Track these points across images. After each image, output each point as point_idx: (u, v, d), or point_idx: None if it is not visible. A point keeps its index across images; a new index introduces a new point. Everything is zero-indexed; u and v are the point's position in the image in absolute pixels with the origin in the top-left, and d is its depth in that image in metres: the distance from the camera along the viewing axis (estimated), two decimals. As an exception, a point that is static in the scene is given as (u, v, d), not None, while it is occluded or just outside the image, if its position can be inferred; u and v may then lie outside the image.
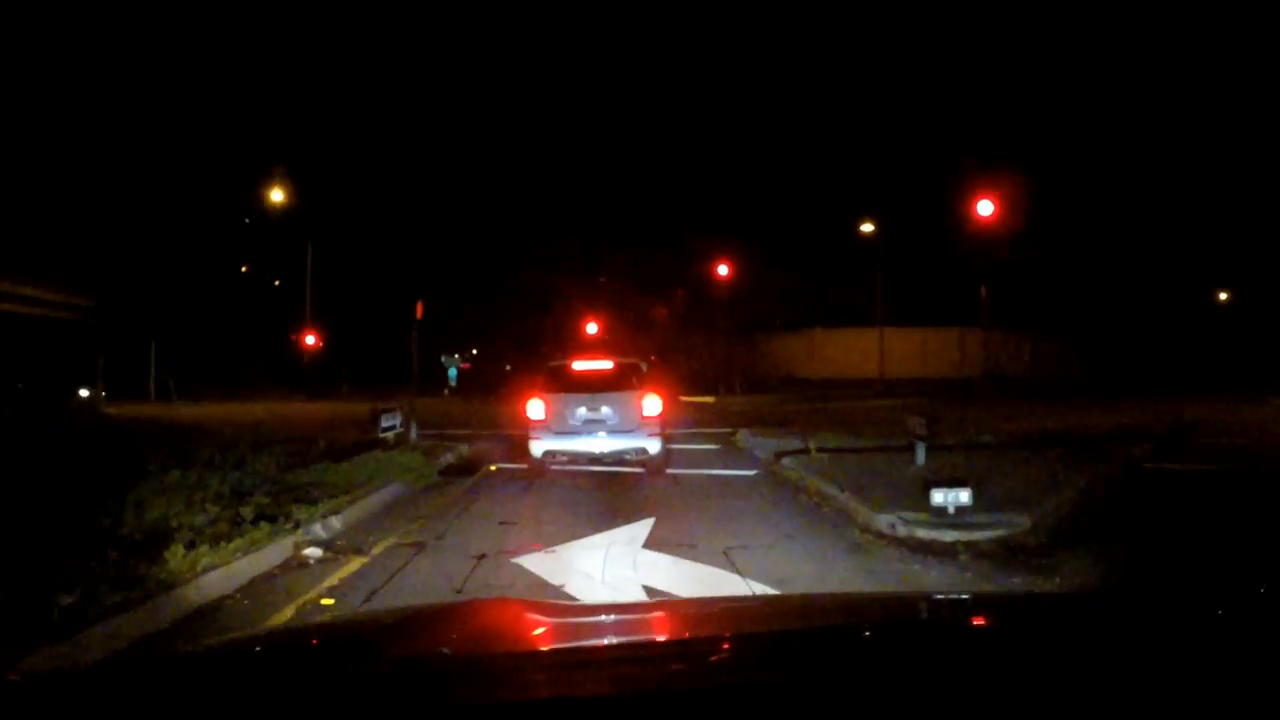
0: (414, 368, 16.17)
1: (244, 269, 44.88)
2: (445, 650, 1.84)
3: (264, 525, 7.27)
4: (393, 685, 1.46)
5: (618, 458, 11.83)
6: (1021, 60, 51.05)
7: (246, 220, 43.94)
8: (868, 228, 39.22)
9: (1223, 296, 48.72)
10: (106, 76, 41.13)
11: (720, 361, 40.34)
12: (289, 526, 7.39)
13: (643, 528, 8.13)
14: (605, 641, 2.09)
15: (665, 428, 12.07)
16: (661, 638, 2.10)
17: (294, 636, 2.56)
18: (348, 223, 44.22)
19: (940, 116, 51.13)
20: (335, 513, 8.51)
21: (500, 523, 8.66)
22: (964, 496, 8.41)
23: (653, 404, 11.74)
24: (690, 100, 65.14)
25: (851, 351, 42.77)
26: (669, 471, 12.02)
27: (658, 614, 2.67)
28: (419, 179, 50.96)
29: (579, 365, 12.70)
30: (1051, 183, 38.87)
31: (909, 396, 30.01)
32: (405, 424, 15.03)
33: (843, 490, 9.58)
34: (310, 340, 42.76)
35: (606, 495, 10.41)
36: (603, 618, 2.55)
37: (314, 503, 8.64)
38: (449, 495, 10.50)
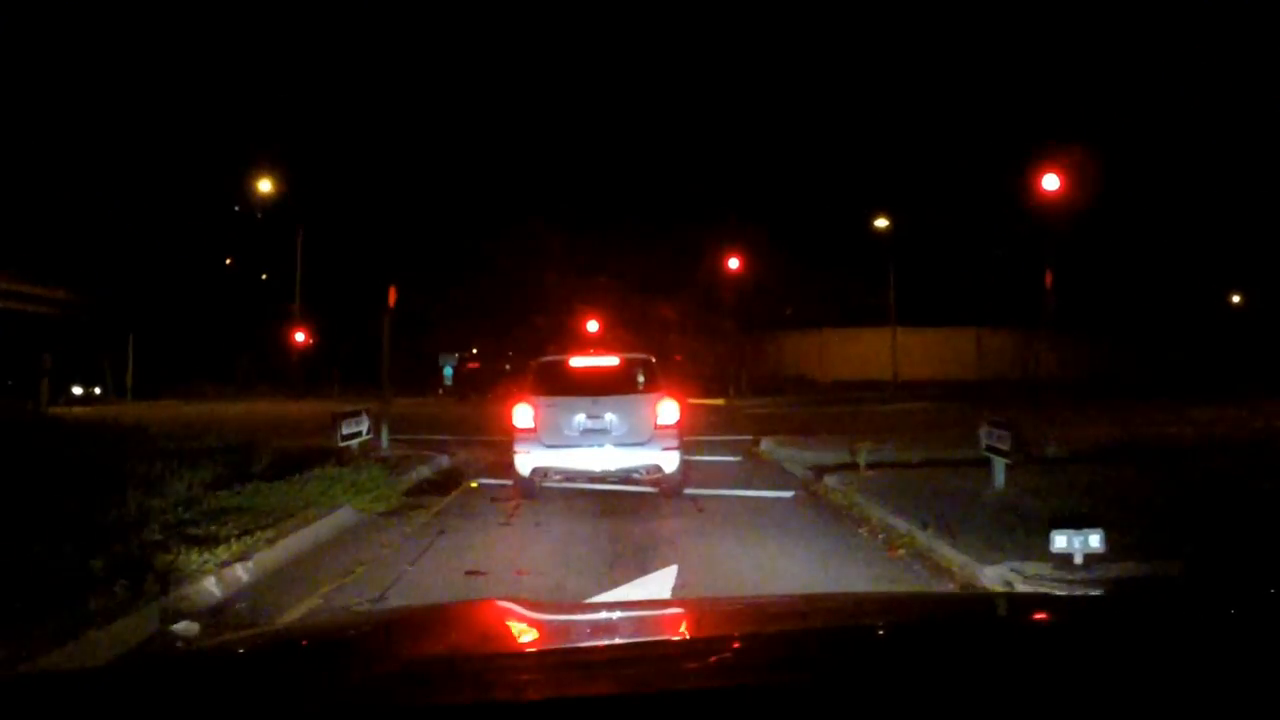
0: (384, 364, 13.90)
1: (228, 261, 42.54)
2: (444, 651, 1.82)
3: (121, 586, 5.04)
4: (392, 685, 1.44)
5: (625, 476, 9.59)
6: (1035, 55, 48.85)
7: (236, 208, 41.99)
8: (880, 224, 37.29)
9: (1235, 299, 47.08)
10: (84, 64, 39.19)
11: (727, 361, 38.18)
12: (155, 589, 5.14)
13: (663, 583, 5.90)
14: (605, 642, 1.99)
15: (683, 438, 9.82)
16: (662, 638, 2.05)
17: (290, 637, 2.48)
18: (342, 216, 42.35)
19: (952, 112, 48.95)
20: (245, 556, 6.28)
21: (467, 572, 6.41)
22: (1094, 540, 6.20)
23: (669, 409, 9.46)
24: (696, 91, 62.98)
25: (862, 352, 40.84)
26: (687, 492, 9.77)
27: (659, 614, 2.60)
28: (417, 174, 48.85)
29: (577, 362, 10.36)
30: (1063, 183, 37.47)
31: (937, 399, 27.86)
32: (375, 429, 12.80)
33: (924, 526, 7.32)
34: (300, 337, 40.81)
35: (611, 527, 8.17)
36: (603, 617, 2.48)
37: (218, 543, 6.41)
38: (410, 526, 8.24)
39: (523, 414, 9.48)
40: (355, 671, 1.59)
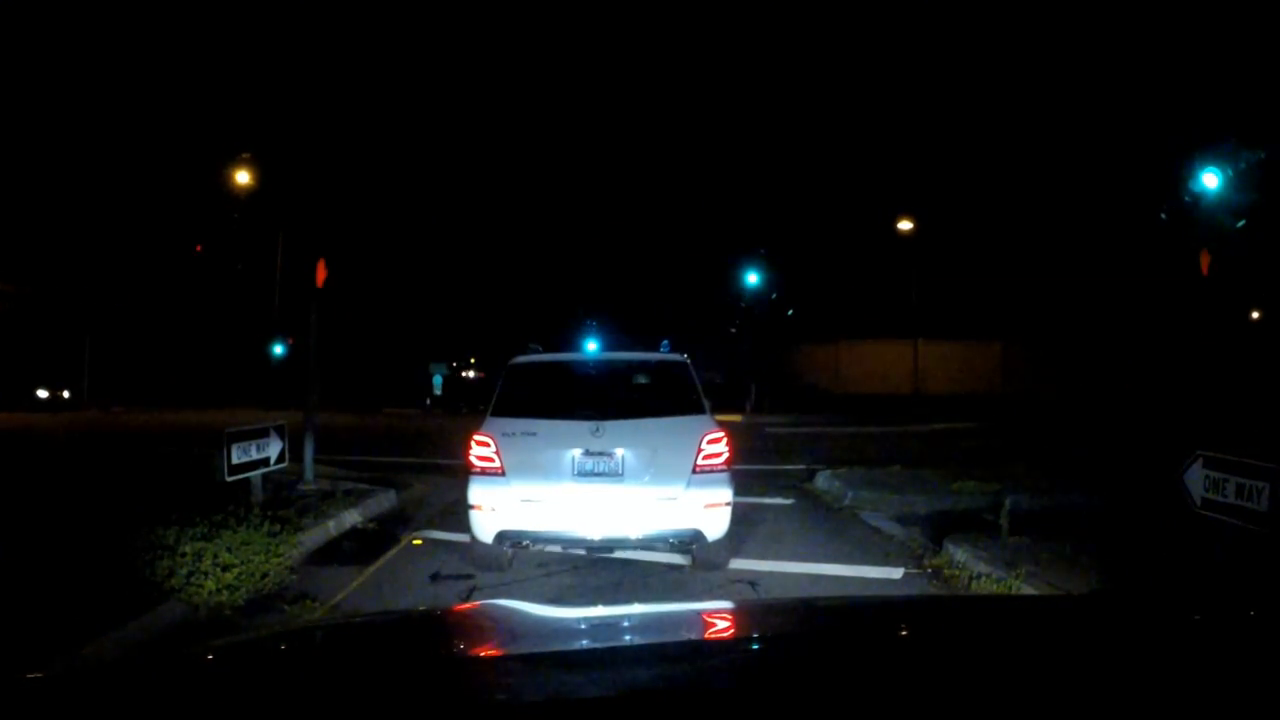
0: (310, 363, 10.46)
1: (198, 248, 39.10)
2: (440, 653, 1.81)
3: None
4: (392, 685, 1.39)
5: (644, 546, 6.12)
6: (1044, 59, 45.93)
7: (236, 216, 38.96)
8: (902, 227, 34.56)
9: (1255, 315, 43.98)
10: (58, 55, 36.43)
11: (742, 372, 35.01)
12: None
13: None
14: (603, 645, 1.90)
15: (733, 483, 6.24)
16: (661, 640, 1.93)
17: (285, 639, 2.31)
18: (332, 218, 39.29)
19: (969, 117, 46.06)
20: None
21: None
22: None
23: (715, 442, 5.97)
24: (705, 93, 60.03)
25: (879, 365, 38.55)
26: (735, 566, 6.33)
27: (658, 618, 2.44)
28: (418, 176, 45.88)
29: (571, 363, 6.85)
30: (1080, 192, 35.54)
31: (974, 418, 24.31)
32: (295, 453, 9.36)
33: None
34: (279, 349, 37.67)
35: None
36: (601, 620, 2.33)
37: None
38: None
39: (483, 447, 5.97)
40: (350, 673, 1.52)
